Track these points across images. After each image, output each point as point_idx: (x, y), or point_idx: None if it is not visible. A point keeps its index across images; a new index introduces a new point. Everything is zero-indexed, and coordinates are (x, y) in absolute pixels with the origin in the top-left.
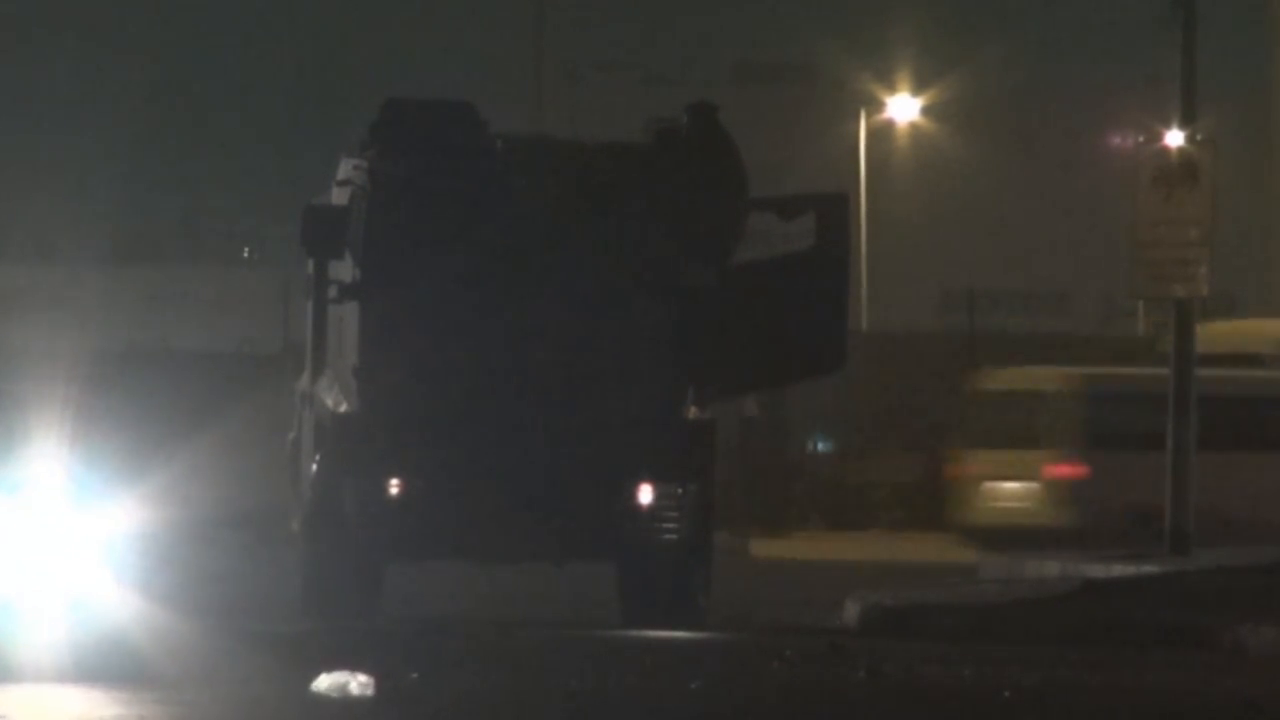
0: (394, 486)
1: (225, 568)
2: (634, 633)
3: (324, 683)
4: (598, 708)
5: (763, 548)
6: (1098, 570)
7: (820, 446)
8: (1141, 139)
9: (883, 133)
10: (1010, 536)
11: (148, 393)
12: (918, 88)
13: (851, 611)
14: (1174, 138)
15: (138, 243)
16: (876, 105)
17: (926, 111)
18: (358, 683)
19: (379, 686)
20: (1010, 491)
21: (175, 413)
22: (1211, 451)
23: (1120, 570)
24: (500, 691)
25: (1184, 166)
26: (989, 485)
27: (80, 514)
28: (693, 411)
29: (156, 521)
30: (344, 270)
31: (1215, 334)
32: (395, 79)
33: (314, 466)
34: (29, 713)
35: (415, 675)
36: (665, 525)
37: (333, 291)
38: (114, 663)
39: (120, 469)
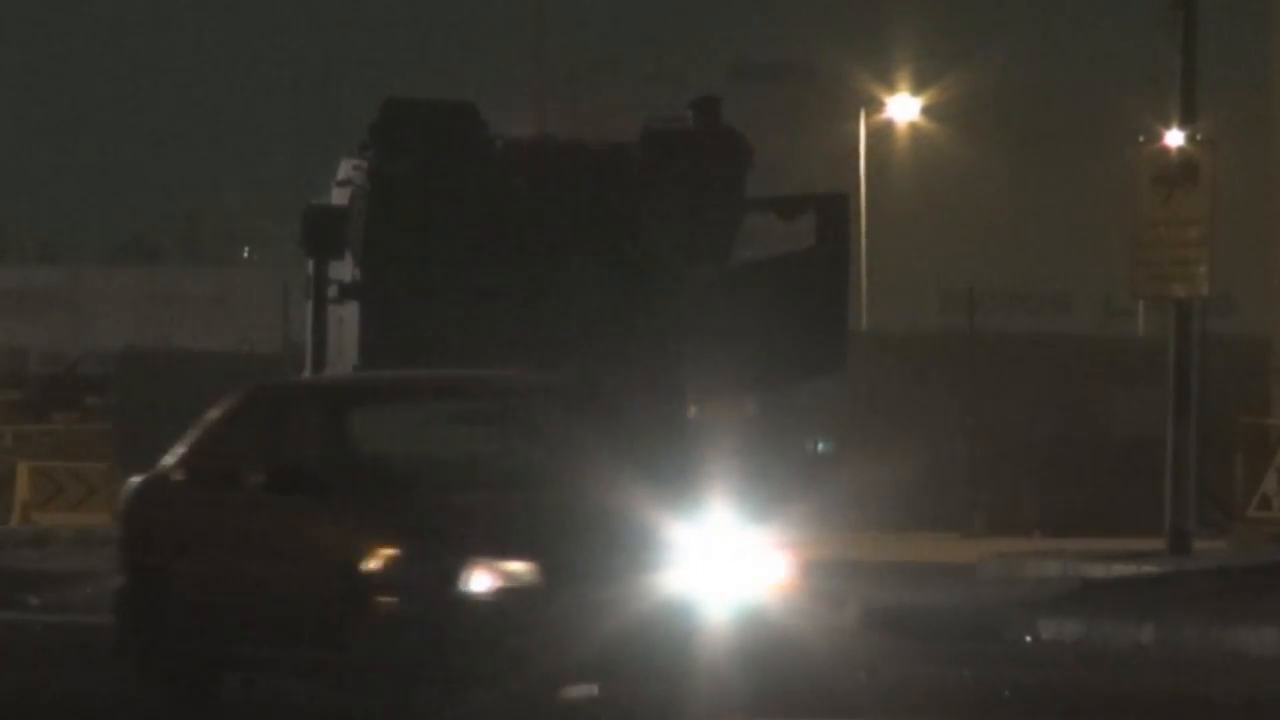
0: None
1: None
2: None
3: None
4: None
5: None
6: (1098, 570)
7: (820, 446)
8: (1141, 139)
9: (883, 133)
10: None
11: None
12: (918, 88)
13: (851, 611)
14: (1174, 138)
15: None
16: (876, 105)
17: (926, 111)
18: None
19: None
20: None
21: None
22: None
23: (1120, 570)
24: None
25: (1184, 166)
26: None
27: (761, 540)
28: (693, 411)
29: (830, 541)
30: (344, 270)
31: None
32: (395, 79)
33: None
34: None
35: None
36: None
37: (333, 291)
38: (820, 698)
39: (781, 486)
